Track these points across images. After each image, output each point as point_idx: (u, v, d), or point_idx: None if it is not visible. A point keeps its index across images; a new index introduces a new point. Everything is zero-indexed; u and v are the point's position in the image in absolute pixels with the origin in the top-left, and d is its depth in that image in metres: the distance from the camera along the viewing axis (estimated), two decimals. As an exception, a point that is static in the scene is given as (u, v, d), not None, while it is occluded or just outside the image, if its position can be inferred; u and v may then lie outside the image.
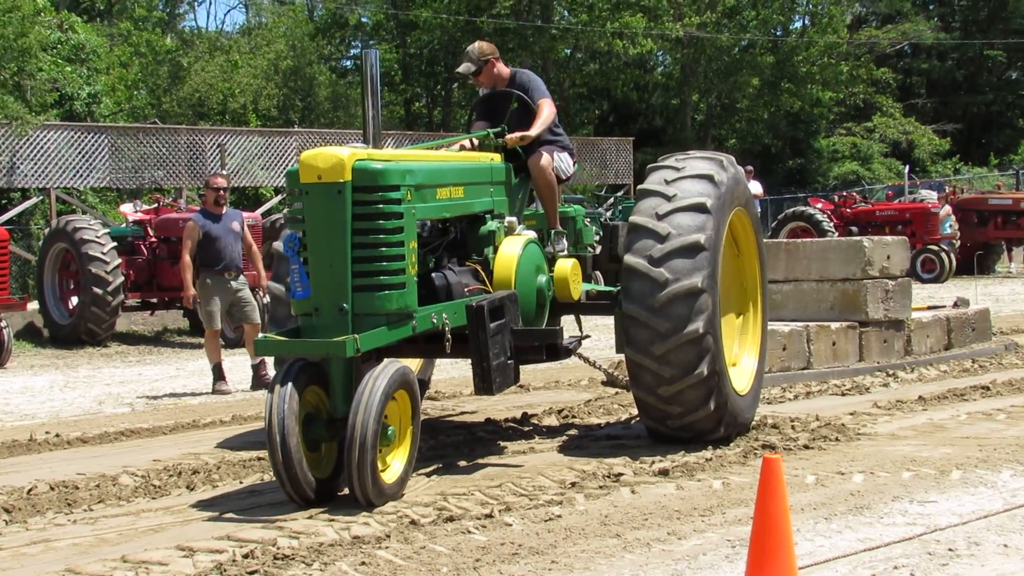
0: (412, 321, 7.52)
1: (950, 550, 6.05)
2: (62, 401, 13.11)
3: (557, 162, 9.39)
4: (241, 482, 8.36)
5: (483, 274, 8.45)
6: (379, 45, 49.91)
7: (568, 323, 10.10)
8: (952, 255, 28.92)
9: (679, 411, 8.45)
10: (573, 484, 7.71)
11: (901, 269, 13.32)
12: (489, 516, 6.99)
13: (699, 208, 8.41)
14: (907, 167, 37.71)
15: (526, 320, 8.46)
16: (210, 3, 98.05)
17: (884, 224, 29.84)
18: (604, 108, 49.14)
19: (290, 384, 7.08)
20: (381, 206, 7.27)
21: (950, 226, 29.10)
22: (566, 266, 8.98)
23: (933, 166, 49.33)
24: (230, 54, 48.09)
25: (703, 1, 44.44)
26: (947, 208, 29.55)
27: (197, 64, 45.54)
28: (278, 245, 8.85)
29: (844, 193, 33.81)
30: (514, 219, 8.86)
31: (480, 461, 8.57)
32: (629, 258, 8.40)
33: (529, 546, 6.34)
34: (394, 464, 7.36)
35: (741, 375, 9.23)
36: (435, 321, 7.76)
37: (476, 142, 9.34)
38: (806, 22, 49.59)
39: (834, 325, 12.51)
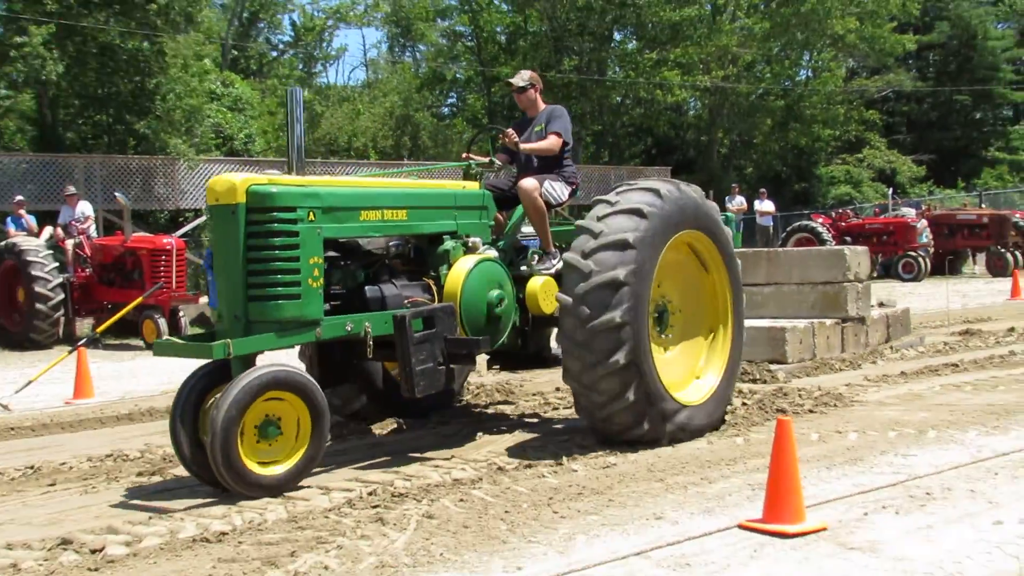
0: (316, 328, 6.80)
1: (927, 494, 6.01)
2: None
3: (547, 188, 8.38)
4: (363, 437, 8.45)
5: (434, 288, 7.66)
6: (469, 95, 50.17)
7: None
8: (927, 260, 28.97)
9: (599, 400, 7.28)
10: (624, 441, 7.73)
11: (866, 274, 12.89)
12: (559, 464, 7.03)
13: (621, 245, 7.24)
14: (891, 189, 37.47)
15: (475, 330, 7.59)
16: (338, 63, 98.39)
17: (872, 235, 29.68)
18: (648, 143, 48.93)
19: (191, 383, 6.57)
20: (274, 225, 6.58)
21: (926, 236, 29.03)
22: (536, 283, 8.03)
23: (912, 188, 48.78)
24: (354, 103, 48.53)
25: (727, 58, 44.16)
26: (923, 222, 29.45)
27: (328, 111, 46.04)
28: None
29: (840, 210, 33.70)
30: (478, 239, 7.96)
31: (554, 427, 8.59)
32: (559, 295, 7.41)
33: (591, 487, 6.37)
34: (278, 459, 6.47)
35: (698, 389, 8.01)
36: (349, 329, 7.00)
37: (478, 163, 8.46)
38: (810, 74, 49.16)
39: (828, 322, 11.99)
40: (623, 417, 7.29)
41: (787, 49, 46.73)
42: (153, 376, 13.00)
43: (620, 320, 7.10)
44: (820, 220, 30.37)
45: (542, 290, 8.04)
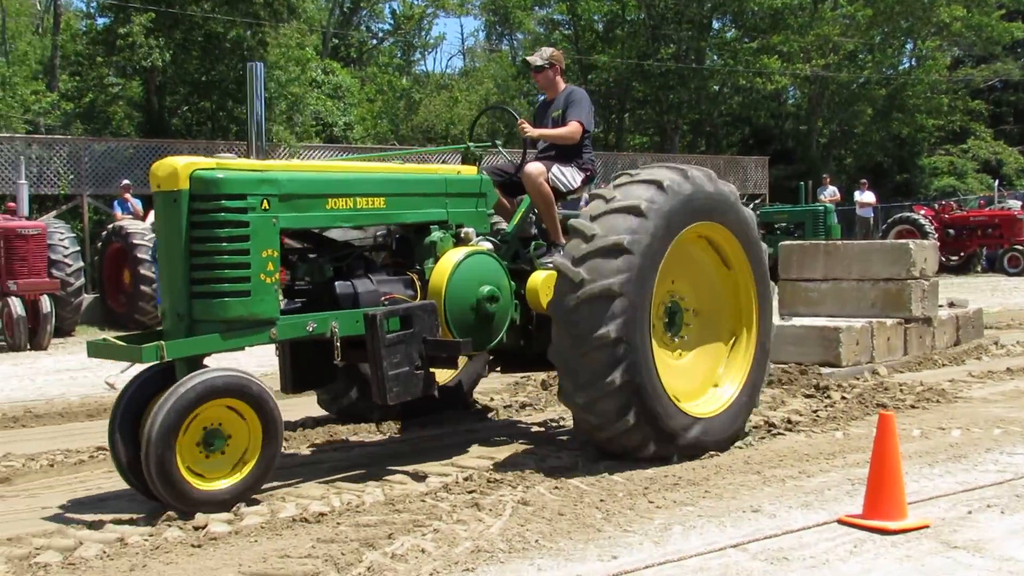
0: (271, 329, 6.08)
1: (1035, 493, 5.86)
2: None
3: (555, 174, 7.64)
4: (459, 424, 8.48)
5: (418, 284, 6.89)
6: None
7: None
8: (1034, 254, 28.16)
9: (596, 422, 6.56)
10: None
11: (933, 271, 11.62)
12: (655, 454, 7.00)
13: (616, 250, 6.38)
14: (996, 181, 36.56)
15: (462, 329, 6.80)
16: (437, 51, 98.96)
17: (976, 228, 29.09)
18: (745, 132, 48.30)
19: (134, 386, 5.98)
20: (221, 214, 5.87)
21: (1033, 230, 28.28)
22: (538, 278, 7.14)
23: (1019, 180, 47.37)
24: (452, 91, 48.84)
25: (827, 46, 43.39)
26: (1030, 214, 28.69)
27: (426, 99, 46.38)
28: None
29: (943, 202, 32.86)
30: (471, 230, 7.13)
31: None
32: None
33: (686, 478, 6.32)
34: (223, 473, 5.80)
35: (716, 398, 7.17)
36: (311, 329, 6.25)
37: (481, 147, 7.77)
38: (913, 63, 48.06)
39: (889, 322, 10.76)
40: (626, 439, 6.55)
41: (890, 38, 45.76)
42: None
43: (615, 336, 6.30)
44: (922, 212, 29.77)
45: (543, 285, 7.12)
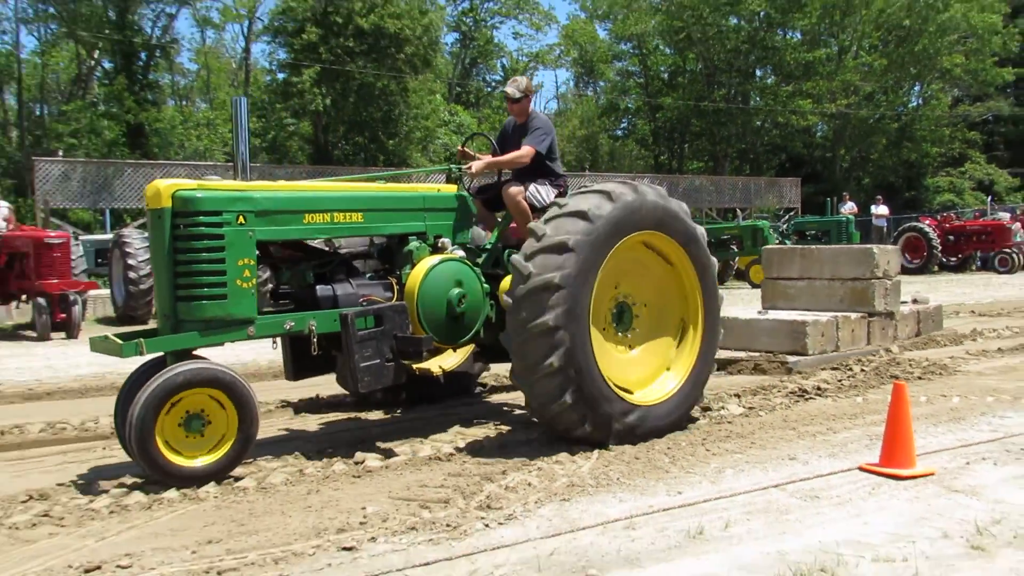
0: (248, 327, 5.60)
1: (1022, 449, 5.64)
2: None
3: (532, 192, 6.95)
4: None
5: (396, 287, 6.34)
6: (638, 120, 49.65)
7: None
8: (1020, 256, 27.27)
9: (538, 402, 5.84)
10: (767, 398, 7.53)
11: (896, 271, 10.65)
12: (709, 410, 6.92)
13: (560, 248, 5.75)
14: (989, 197, 35.35)
15: (434, 327, 6.22)
16: (537, 96, 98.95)
17: (972, 235, 28.16)
18: (782, 158, 47.26)
19: (137, 373, 5.65)
20: (199, 228, 5.45)
21: (1019, 236, 27.38)
22: (507, 280, 6.22)
23: (1008, 196, 45.60)
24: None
25: (849, 89, 42.32)
26: (1017, 224, 27.76)
27: (528, 134, 46.44)
28: None
29: (944, 214, 31.83)
30: (446, 240, 6.55)
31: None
32: (503, 296, 6.04)
33: (736, 432, 6.24)
34: (201, 452, 5.29)
35: (659, 388, 6.36)
36: (289, 327, 5.77)
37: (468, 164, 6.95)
38: (920, 101, 46.57)
39: (854, 316, 9.87)
40: (566, 418, 5.79)
41: (901, 81, 44.45)
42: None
43: (553, 324, 5.63)
44: (927, 222, 28.85)
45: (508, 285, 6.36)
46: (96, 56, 36.44)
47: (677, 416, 6.31)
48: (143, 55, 36.46)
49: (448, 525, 4.33)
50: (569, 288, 5.70)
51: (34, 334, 13.92)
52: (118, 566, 3.91)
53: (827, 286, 10.45)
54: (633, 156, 50.62)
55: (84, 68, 36.91)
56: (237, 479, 5.30)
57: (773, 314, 9.98)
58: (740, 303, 15.02)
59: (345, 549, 4.04)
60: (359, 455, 5.75)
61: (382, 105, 31.15)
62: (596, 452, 5.68)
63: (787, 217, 32.25)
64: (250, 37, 41.18)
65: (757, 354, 9.35)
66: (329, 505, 4.74)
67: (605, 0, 48.16)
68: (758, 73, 45.66)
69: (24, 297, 15.09)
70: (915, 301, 11.92)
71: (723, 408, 7.03)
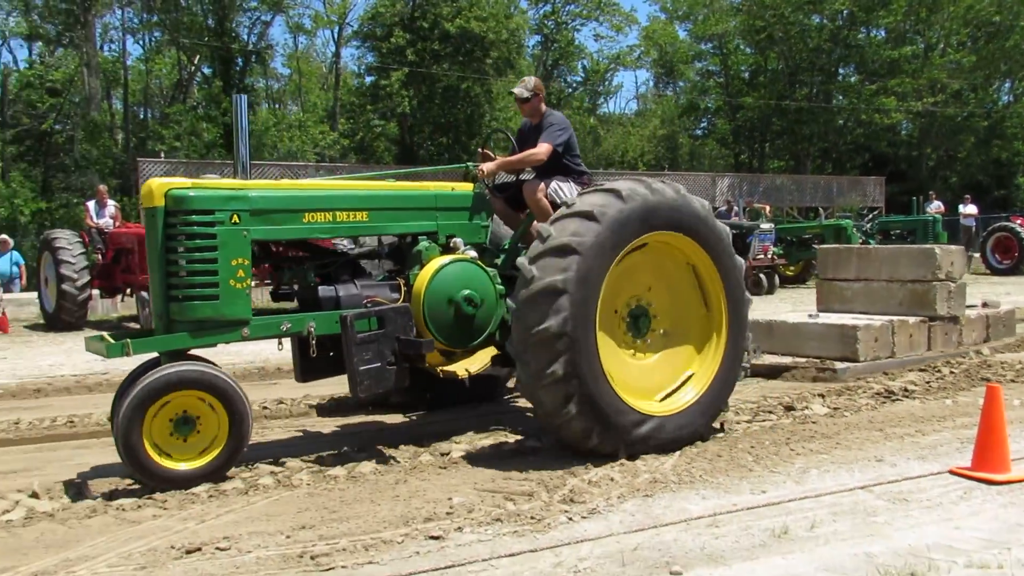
0: (243, 328, 5.37)
1: (1122, 456, 5.37)
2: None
3: (554, 189, 6.58)
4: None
5: (404, 288, 5.99)
6: (718, 120, 48.97)
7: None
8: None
9: (543, 411, 5.43)
10: (851, 398, 7.32)
11: (960, 274, 9.75)
12: (792, 410, 6.77)
13: (564, 250, 5.32)
14: (1083, 196, 33.81)
15: (441, 329, 5.88)
16: (617, 96, 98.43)
17: (1062, 234, 27.10)
18: (866, 157, 46.01)
19: (136, 372, 5.41)
20: (191, 227, 5.24)
21: (1114, 236, 26.16)
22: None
23: (1102, 196, 43.69)
24: (627, 128, 48.51)
25: (936, 87, 40.97)
26: (1110, 224, 26.57)
27: (608, 134, 46.23)
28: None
29: (1035, 214, 30.64)
30: (459, 240, 6.18)
31: (796, 384, 8.24)
32: (508, 300, 5.72)
33: (821, 432, 6.08)
34: (190, 455, 5.10)
35: (677, 398, 5.85)
36: (285, 328, 5.54)
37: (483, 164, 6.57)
38: (1011, 99, 44.80)
39: (912, 320, 9.07)
40: (573, 428, 5.36)
41: (991, 78, 42.82)
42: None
43: (556, 330, 5.21)
44: (1018, 222, 27.72)
45: None
46: (196, 62, 37.56)
47: (698, 426, 5.80)
48: (240, 60, 37.48)
49: (532, 518, 4.33)
50: (574, 292, 5.27)
51: (138, 326, 14.36)
52: (217, 548, 4.01)
53: (885, 288, 9.67)
54: (713, 155, 49.93)
55: (185, 74, 38.09)
56: (329, 467, 5.38)
57: (824, 317, 9.31)
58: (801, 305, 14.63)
59: (432, 538, 4.07)
60: (445, 446, 5.79)
61: (466, 107, 31.39)
62: (679, 450, 5.59)
63: (871, 216, 31.42)
64: (340, 42, 41.95)
65: (803, 360, 8.70)
66: (417, 495, 4.78)
67: (686, 1, 47.62)
68: (841, 71, 44.54)
69: (129, 291, 15.62)
70: (985, 305, 11.15)
71: (807, 408, 6.86)
